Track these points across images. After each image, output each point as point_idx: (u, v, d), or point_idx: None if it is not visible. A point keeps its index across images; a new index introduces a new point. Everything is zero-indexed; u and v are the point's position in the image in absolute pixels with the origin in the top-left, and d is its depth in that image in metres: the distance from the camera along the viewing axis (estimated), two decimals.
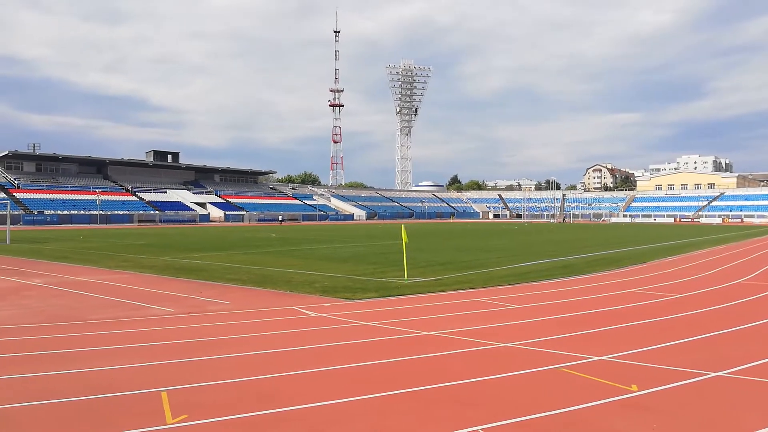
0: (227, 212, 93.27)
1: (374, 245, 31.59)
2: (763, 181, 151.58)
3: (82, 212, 77.84)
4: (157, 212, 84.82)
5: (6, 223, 35.36)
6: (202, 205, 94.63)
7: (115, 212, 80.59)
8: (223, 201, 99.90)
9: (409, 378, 6.75)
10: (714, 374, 6.78)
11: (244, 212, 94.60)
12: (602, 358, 7.57)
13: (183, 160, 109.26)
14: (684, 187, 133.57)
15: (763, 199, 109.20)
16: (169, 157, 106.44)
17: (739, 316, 10.80)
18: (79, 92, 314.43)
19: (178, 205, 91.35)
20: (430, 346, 8.32)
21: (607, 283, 15.92)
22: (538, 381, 6.60)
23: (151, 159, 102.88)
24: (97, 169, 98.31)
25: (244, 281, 15.77)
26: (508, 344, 8.40)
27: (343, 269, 18.69)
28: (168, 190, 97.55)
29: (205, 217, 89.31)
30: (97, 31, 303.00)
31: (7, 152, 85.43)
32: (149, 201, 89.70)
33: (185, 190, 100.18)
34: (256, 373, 6.98)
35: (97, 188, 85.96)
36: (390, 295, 13.25)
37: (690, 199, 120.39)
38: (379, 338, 8.88)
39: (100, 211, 78.07)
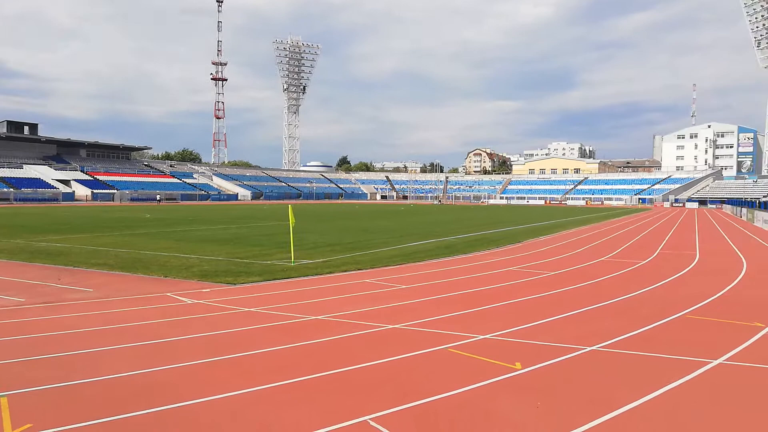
0: (95, 190, 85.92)
1: (259, 226, 30.51)
2: (620, 167, 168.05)
3: None
4: (11, 190, 75.99)
5: None
6: (66, 182, 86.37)
7: None
8: (90, 178, 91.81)
9: (296, 366, 6.35)
10: (589, 348, 7.10)
11: (115, 191, 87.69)
12: (487, 336, 7.67)
13: (44, 133, 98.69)
14: (554, 171, 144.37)
15: (619, 184, 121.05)
16: (26, 128, 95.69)
17: (609, 291, 11.59)
18: None
19: (37, 182, 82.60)
20: (318, 331, 7.96)
21: (487, 262, 16.51)
22: (426, 363, 6.50)
23: (4, 130, 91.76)
24: None
25: (111, 266, 14.36)
26: (396, 326, 8.27)
27: (225, 252, 17.72)
28: (25, 166, 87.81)
29: (70, 196, 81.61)
30: None
31: None
32: (2, 177, 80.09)
33: (45, 166, 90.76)
34: (123, 368, 6.20)
35: None
36: (275, 279, 12.68)
37: (559, 183, 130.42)
38: (263, 324, 8.35)
39: None
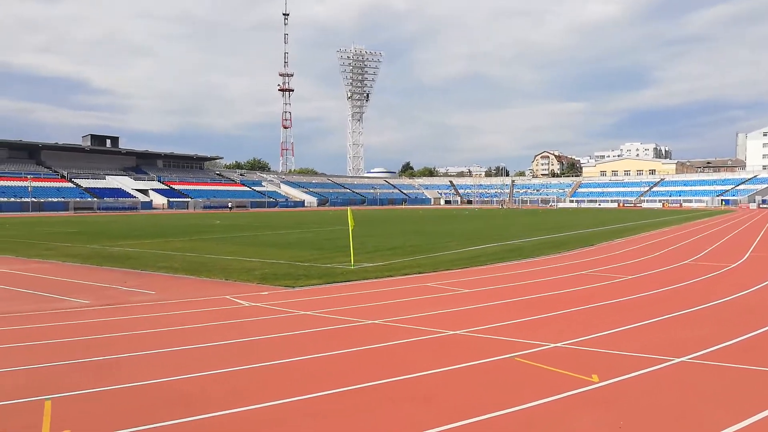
0: (171, 199, 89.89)
1: (322, 231, 30.61)
2: (699, 167, 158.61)
3: (12, 200, 73.18)
4: (95, 199, 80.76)
5: None
6: (144, 191, 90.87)
7: (49, 199, 76.21)
8: (166, 187, 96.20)
9: (352, 373, 5.94)
10: (677, 360, 6.27)
11: (189, 199, 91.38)
12: (558, 345, 6.98)
13: (124, 146, 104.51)
14: (627, 173, 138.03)
15: (699, 185, 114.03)
16: (108, 141, 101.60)
17: (691, 297, 10.51)
18: (9, 74, 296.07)
19: (118, 192, 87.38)
20: (375, 336, 7.53)
21: (556, 265, 15.57)
22: (492, 373, 5.92)
23: (89, 144, 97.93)
24: (29, 154, 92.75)
25: (176, 269, 14.57)
26: (458, 332, 7.71)
27: (287, 255, 17.69)
28: (107, 177, 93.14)
29: (148, 205, 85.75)
30: (34, 9, 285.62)
31: None
32: (86, 188, 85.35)
33: (126, 177, 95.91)
34: (174, 372, 6.01)
35: (29, 174, 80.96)
36: (334, 282, 12.40)
37: (632, 185, 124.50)
38: (319, 328, 8.02)
39: (33, 199, 73.62)
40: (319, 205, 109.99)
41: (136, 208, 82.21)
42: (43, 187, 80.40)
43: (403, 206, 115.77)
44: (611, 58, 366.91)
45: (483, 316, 8.88)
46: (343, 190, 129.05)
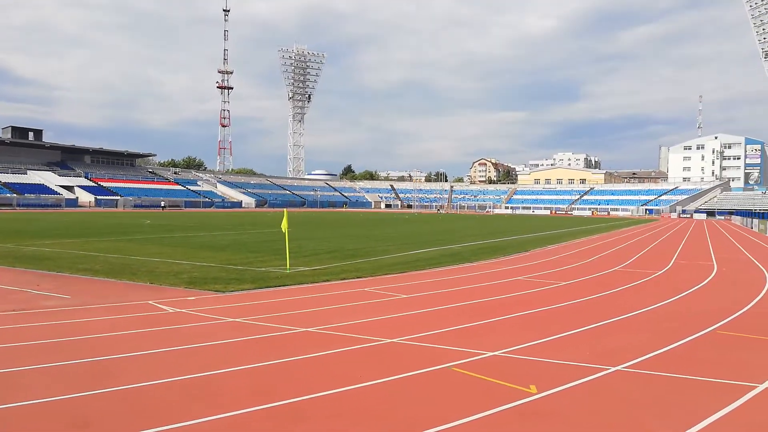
0: (99, 197, 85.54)
1: (259, 233, 29.75)
2: (626, 178, 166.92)
3: None
4: (14, 195, 75.62)
5: None
6: (70, 188, 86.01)
7: None
8: (94, 184, 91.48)
9: (274, 388, 5.52)
10: (613, 369, 6.23)
11: (119, 197, 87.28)
12: (495, 353, 6.82)
13: (49, 139, 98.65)
14: (559, 181, 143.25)
15: (626, 194, 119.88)
16: (31, 134, 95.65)
17: (622, 303, 10.72)
18: None
19: (41, 188, 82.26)
20: (305, 345, 7.13)
21: (493, 271, 15.65)
22: (427, 384, 5.66)
23: (9, 136, 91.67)
24: None
25: (96, 271, 13.58)
26: (395, 339, 7.43)
27: (219, 258, 16.92)
28: (29, 171, 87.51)
29: (73, 202, 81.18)
30: None
31: None
32: (5, 183, 79.81)
33: (49, 172, 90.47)
34: (70, 389, 5.38)
35: None
36: (268, 287, 11.87)
37: (564, 193, 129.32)
38: (245, 337, 7.52)
39: None
40: (257, 206, 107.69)
41: (60, 206, 77.63)
42: None
43: (344, 209, 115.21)
44: (548, 71, 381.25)
45: (420, 322, 8.65)
46: (282, 192, 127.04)
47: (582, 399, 5.32)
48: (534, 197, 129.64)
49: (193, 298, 10.46)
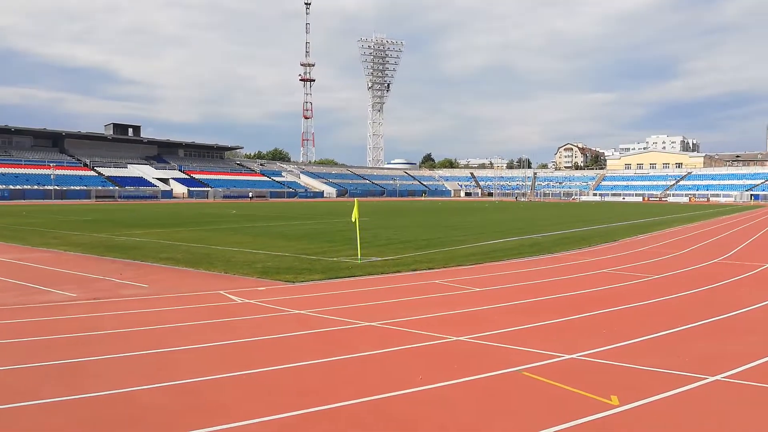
0: (191, 188, 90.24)
1: (336, 222, 29.97)
2: (728, 161, 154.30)
3: (35, 187, 74.12)
4: (116, 188, 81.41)
5: None
6: (165, 180, 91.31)
7: (72, 187, 76.97)
8: (186, 177, 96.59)
9: (329, 388, 5.25)
10: (711, 378, 5.44)
11: (209, 188, 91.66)
12: (573, 356, 6.18)
13: (148, 135, 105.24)
14: (653, 166, 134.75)
15: (728, 179, 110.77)
16: (130, 130, 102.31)
17: (723, 301, 9.59)
18: (44, 64, 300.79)
19: (139, 181, 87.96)
20: (368, 341, 6.82)
21: (577, 262, 14.67)
22: (494, 390, 5.17)
23: (111, 132, 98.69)
24: (53, 142, 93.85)
25: (177, 261, 14.04)
26: (462, 338, 6.96)
27: (294, 247, 17.07)
28: (129, 165, 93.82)
29: (168, 194, 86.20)
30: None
31: None
32: (108, 176, 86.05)
33: (147, 165, 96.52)
34: (135, 382, 5.37)
35: (52, 162, 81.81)
36: (337, 277, 11.72)
37: (658, 178, 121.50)
38: (306, 331, 7.33)
39: (55, 186, 74.42)
40: (338, 195, 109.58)
41: (157, 197, 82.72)
42: (66, 175, 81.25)
43: (423, 198, 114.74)
44: (641, 48, 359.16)
45: (492, 319, 8.10)
46: (362, 181, 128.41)
47: (671, 414, 4.62)
48: (624, 183, 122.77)
49: (263, 288, 10.48)
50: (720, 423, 4.47)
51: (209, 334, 7.11)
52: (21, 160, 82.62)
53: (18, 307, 8.77)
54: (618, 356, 6.19)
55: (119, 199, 76.54)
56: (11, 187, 72.18)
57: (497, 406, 4.78)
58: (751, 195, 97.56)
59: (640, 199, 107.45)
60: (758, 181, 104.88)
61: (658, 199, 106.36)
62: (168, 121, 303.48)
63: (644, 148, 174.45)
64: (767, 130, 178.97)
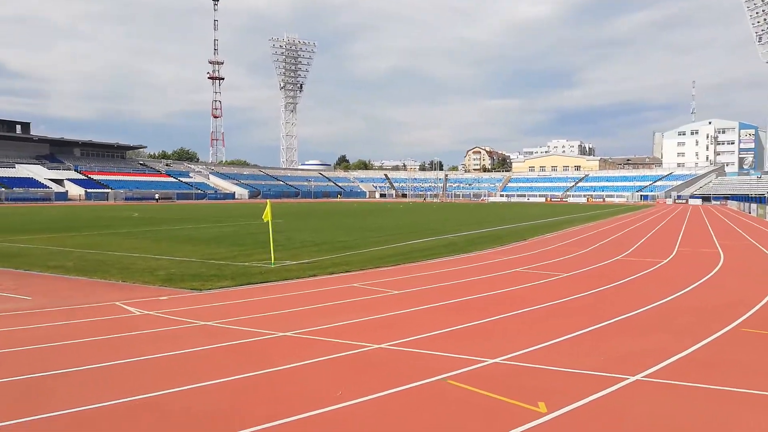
0: (89, 190, 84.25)
1: (248, 225, 28.84)
2: (620, 164, 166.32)
3: None
4: (2, 189, 74.28)
5: None
6: (59, 182, 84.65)
7: None
8: (83, 177, 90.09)
9: (237, 410, 4.69)
10: (632, 378, 5.43)
11: (109, 190, 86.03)
12: (496, 360, 6.01)
13: (38, 132, 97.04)
14: (554, 169, 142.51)
15: (621, 181, 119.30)
16: (18, 127, 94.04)
17: (632, 297, 9.93)
18: None
19: (30, 182, 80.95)
20: (283, 354, 6.30)
21: (491, 262, 14.85)
22: (420, 403, 4.84)
23: None
24: None
25: (68, 269, 12.70)
26: (383, 345, 6.60)
27: (201, 252, 16.05)
28: (17, 165, 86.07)
29: (63, 195, 79.97)
30: None
31: None
32: None
33: (38, 165, 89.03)
34: (13, 414, 4.53)
35: None
36: (249, 283, 11.02)
37: (559, 180, 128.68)
38: (214, 345, 6.67)
39: None
40: (250, 197, 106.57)
41: (50, 199, 76.42)
42: None
43: (338, 199, 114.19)
44: (542, 57, 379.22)
45: (411, 323, 7.83)
46: (276, 182, 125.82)
47: (599, 418, 4.51)
48: (529, 185, 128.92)
49: (165, 297, 9.61)
50: (647, 424, 4.40)
51: (98, 353, 6.27)
52: None
53: None
54: (541, 358, 6.09)
55: (6, 202, 69.93)
56: None
57: (425, 421, 4.45)
58: (641, 195, 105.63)
59: (543, 199, 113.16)
60: (647, 183, 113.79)
61: (559, 199, 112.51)
62: (61, 118, 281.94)
63: (546, 152, 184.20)
64: (653, 136, 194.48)
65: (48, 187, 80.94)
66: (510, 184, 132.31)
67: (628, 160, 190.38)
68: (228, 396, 5.00)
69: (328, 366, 5.87)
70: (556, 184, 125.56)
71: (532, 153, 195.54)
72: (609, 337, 7.07)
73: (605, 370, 5.67)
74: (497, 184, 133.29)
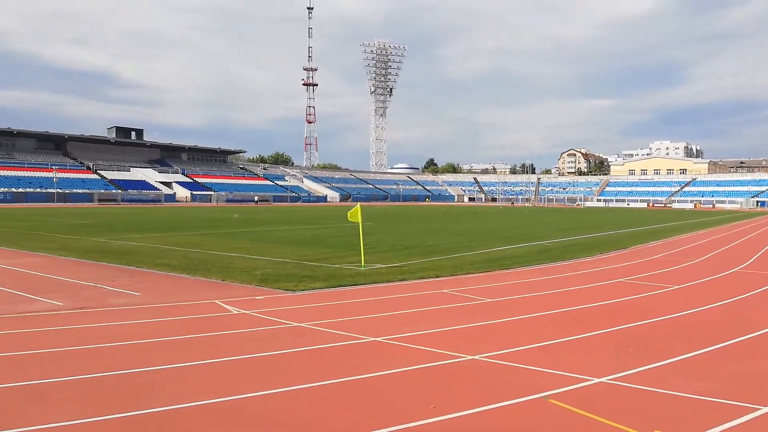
0: (194, 192, 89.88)
1: (339, 227, 29.36)
2: (732, 167, 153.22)
3: (38, 190, 73.81)
4: (119, 191, 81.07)
5: None
6: (168, 184, 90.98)
7: (74, 191, 76.66)
8: (190, 180, 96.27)
9: (322, 420, 4.62)
10: (765, 409, 4.79)
11: (212, 192, 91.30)
12: (602, 380, 5.55)
13: (151, 138, 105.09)
14: (657, 172, 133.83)
15: (733, 185, 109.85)
16: (133, 134, 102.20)
17: (758, 315, 8.93)
18: (45, 66, 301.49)
19: (142, 184, 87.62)
20: (371, 360, 6.20)
21: (589, 271, 14.03)
22: (517, 422, 4.53)
23: (114, 136, 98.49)
24: (55, 145, 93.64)
25: (173, 267, 13.44)
26: (476, 356, 6.33)
27: (295, 253, 16.45)
28: (132, 169, 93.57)
29: (171, 197, 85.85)
30: (69, 1, 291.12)
31: None
32: (111, 179, 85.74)
33: (150, 169, 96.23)
34: (87, 412, 4.75)
35: (55, 165, 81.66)
36: (340, 286, 11.10)
37: (663, 184, 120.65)
38: (304, 348, 6.71)
39: (58, 190, 74.14)
40: (341, 200, 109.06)
41: (160, 201, 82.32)
42: (69, 178, 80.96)
43: (426, 203, 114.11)
44: (643, 54, 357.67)
45: (506, 334, 7.47)
46: (365, 186, 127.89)
47: None
48: (629, 189, 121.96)
49: (261, 297, 9.87)
50: None
51: (196, 351, 6.49)
52: (24, 163, 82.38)
53: (3, 317, 8.18)
54: (652, 380, 5.55)
55: (122, 203, 76.16)
56: (14, 190, 71.85)
57: None
58: (757, 201, 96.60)
59: (644, 205, 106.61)
60: (764, 188, 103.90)
61: (663, 205, 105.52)
62: (171, 125, 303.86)
63: (648, 154, 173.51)
64: None
65: (158, 189, 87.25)
66: (608, 189, 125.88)
67: (741, 162, 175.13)
68: (316, 403, 4.95)
69: (419, 375, 5.70)
70: (659, 189, 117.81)
71: (632, 155, 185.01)
72: (731, 360, 6.35)
73: (730, 397, 5.05)
74: (594, 188, 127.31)
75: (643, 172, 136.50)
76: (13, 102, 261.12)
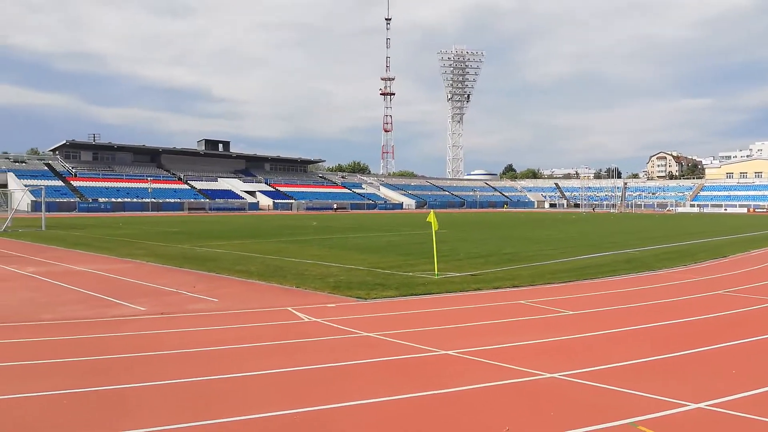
0: (276, 200, 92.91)
1: (414, 234, 29.17)
2: None
3: (135, 200, 79.03)
4: (207, 200, 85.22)
5: (42, 210, 35.32)
6: (252, 193, 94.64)
7: (167, 200, 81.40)
8: (272, 189, 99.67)
9: None
10: None
11: (293, 200, 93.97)
12: (699, 405, 4.95)
13: (235, 150, 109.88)
14: (758, 175, 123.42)
15: None
16: (220, 146, 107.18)
17: None
18: (143, 86, 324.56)
19: (228, 194, 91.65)
20: (443, 375, 5.90)
21: (683, 282, 12.95)
22: None
23: (203, 148, 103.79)
24: (150, 158, 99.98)
25: (251, 273, 13.75)
26: (556, 374, 5.87)
27: (369, 261, 16.40)
28: (219, 179, 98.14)
29: (254, 206, 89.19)
30: (166, 25, 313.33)
31: (65, 141, 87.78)
32: (200, 189, 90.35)
33: (235, 179, 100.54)
34: (162, 419, 4.78)
35: (150, 176, 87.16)
36: (412, 294, 10.87)
37: (765, 188, 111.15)
38: (374, 359, 6.52)
39: (152, 199, 78.99)
40: (417, 207, 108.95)
41: (244, 209, 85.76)
42: (162, 188, 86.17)
43: (505, 209, 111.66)
44: (741, 50, 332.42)
45: (590, 351, 6.93)
46: (441, 193, 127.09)
47: None
48: (726, 193, 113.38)
49: (333, 305, 9.82)
50: None
51: (267, 360, 6.47)
52: (122, 175, 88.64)
53: (83, 321, 8.60)
54: (759, 407, 4.88)
55: (209, 211, 79.97)
56: (113, 200, 77.35)
57: None
58: None
59: (744, 210, 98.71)
60: None
61: (765, 210, 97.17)
62: (254, 137, 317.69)
63: (747, 156, 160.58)
64: None
65: (243, 198, 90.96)
66: (702, 193, 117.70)
67: None
68: (378, 419, 4.72)
69: (492, 394, 5.34)
70: (761, 193, 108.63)
71: (729, 157, 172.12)
72: None
73: None
74: (687, 193, 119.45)
75: (743, 174, 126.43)
76: (115, 119, 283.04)
